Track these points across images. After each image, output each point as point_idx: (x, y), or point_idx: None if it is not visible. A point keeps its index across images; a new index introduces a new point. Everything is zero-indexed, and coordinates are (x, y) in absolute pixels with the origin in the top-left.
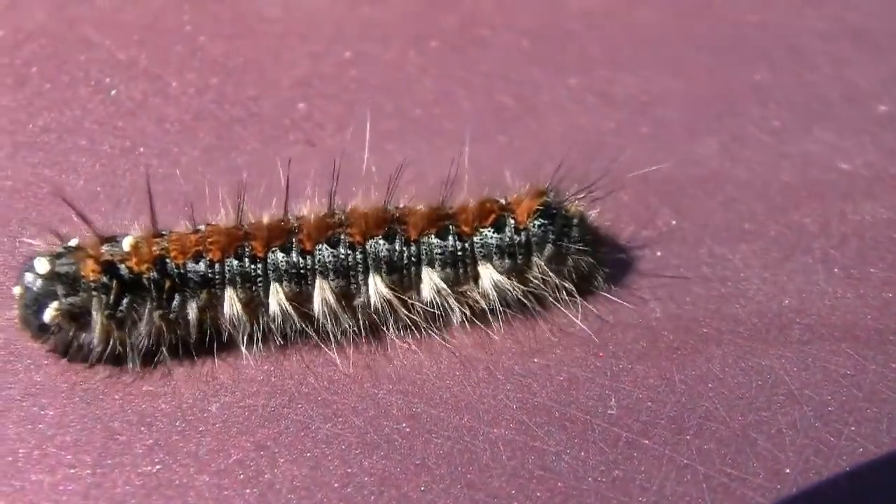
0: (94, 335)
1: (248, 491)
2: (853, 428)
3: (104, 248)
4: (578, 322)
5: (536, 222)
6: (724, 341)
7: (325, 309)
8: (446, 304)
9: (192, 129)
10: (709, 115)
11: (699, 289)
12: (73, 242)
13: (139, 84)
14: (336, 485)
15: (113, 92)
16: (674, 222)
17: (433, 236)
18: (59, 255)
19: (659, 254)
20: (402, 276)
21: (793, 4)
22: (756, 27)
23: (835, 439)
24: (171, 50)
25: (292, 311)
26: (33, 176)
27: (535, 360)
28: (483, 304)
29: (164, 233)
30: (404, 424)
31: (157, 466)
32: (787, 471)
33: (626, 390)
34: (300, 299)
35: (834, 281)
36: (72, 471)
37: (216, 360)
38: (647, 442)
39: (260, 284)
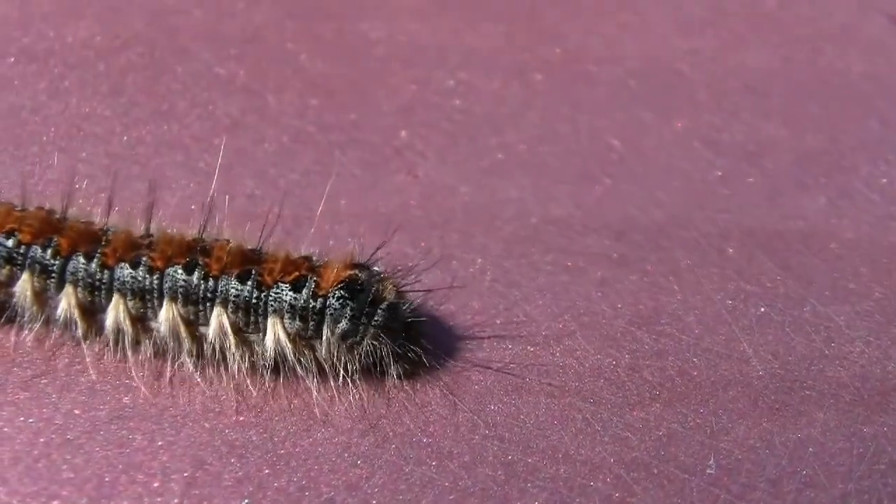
0: None
1: None
2: None
3: None
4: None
5: (337, 293)
6: (827, 405)
7: (116, 327)
8: (226, 348)
9: (290, 150)
10: (816, 168)
11: (802, 349)
12: None
13: (237, 101)
14: None
15: (210, 106)
16: (778, 278)
17: (233, 277)
18: None
19: (762, 310)
20: (197, 310)
21: None
22: (866, 78)
23: None
24: (272, 68)
25: (78, 318)
26: (128, 190)
27: (635, 413)
28: (263, 359)
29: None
30: (500, 472)
31: (246, 500)
32: None
33: (725, 450)
34: (93, 309)
35: None
36: (158, 499)
37: (312, 394)
38: None
39: (54, 280)
